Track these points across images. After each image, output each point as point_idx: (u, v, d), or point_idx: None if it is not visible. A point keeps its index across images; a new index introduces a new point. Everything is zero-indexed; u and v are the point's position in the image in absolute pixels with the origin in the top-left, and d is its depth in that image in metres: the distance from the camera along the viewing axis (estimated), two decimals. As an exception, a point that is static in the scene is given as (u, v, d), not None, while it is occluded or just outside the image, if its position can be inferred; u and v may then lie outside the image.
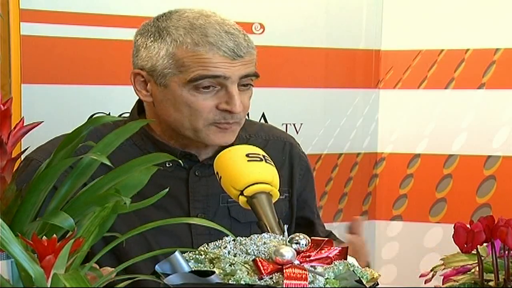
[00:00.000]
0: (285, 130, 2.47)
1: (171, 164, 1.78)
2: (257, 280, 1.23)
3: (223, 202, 1.81)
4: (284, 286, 1.22)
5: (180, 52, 1.72)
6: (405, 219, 2.84)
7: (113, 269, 1.22)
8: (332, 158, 2.78)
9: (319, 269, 1.26)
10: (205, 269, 1.25)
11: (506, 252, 1.39)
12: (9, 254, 1.04)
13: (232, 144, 1.76)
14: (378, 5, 2.80)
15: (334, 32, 2.73)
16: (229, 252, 1.29)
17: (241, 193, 1.58)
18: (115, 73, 2.33)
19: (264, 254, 1.28)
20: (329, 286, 1.24)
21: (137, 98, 1.83)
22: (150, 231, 1.36)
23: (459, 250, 1.41)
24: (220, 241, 1.33)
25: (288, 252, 1.26)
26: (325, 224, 2.05)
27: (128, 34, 1.98)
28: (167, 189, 1.23)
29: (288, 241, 1.30)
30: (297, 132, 2.67)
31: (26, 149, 1.51)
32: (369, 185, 2.86)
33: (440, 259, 1.49)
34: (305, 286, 1.22)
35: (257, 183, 1.57)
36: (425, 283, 1.49)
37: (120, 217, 1.19)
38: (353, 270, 1.29)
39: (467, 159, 2.76)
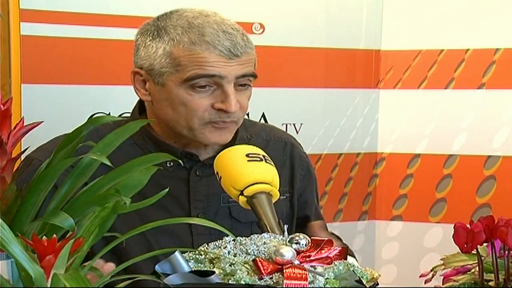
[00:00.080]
0: (285, 130, 2.46)
1: (171, 164, 1.78)
2: (257, 280, 1.23)
3: (224, 202, 1.80)
4: (284, 286, 1.22)
5: (177, 51, 1.72)
6: (405, 219, 2.84)
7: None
8: (332, 158, 2.78)
9: (319, 269, 1.26)
10: (205, 269, 1.25)
11: (506, 252, 1.39)
12: (9, 254, 1.04)
13: (233, 144, 1.75)
14: (378, 5, 2.80)
15: (334, 32, 2.73)
16: (229, 252, 1.29)
17: (241, 193, 1.58)
18: (115, 73, 2.32)
19: (264, 254, 1.28)
20: (329, 286, 1.24)
21: (137, 98, 1.83)
22: (151, 231, 1.36)
23: (459, 250, 1.41)
24: (220, 241, 1.33)
25: (288, 252, 1.26)
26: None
27: (128, 34, 1.98)
28: (168, 189, 1.23)
29: (288, 241, 1.30)
30: (297, 132, 2.67)
31: (26, 149, 1.51)
32: (369, 185, 2.86)
33: (440, 259, 1.49)
34: (305, 286, 1.22)
35: (257, 183, 1.57)
36: (425, 283, 1.49)
37: (121, 217, 1.19)
38: (353, 270, 1.29)
39: (467, 159, 2.75)
